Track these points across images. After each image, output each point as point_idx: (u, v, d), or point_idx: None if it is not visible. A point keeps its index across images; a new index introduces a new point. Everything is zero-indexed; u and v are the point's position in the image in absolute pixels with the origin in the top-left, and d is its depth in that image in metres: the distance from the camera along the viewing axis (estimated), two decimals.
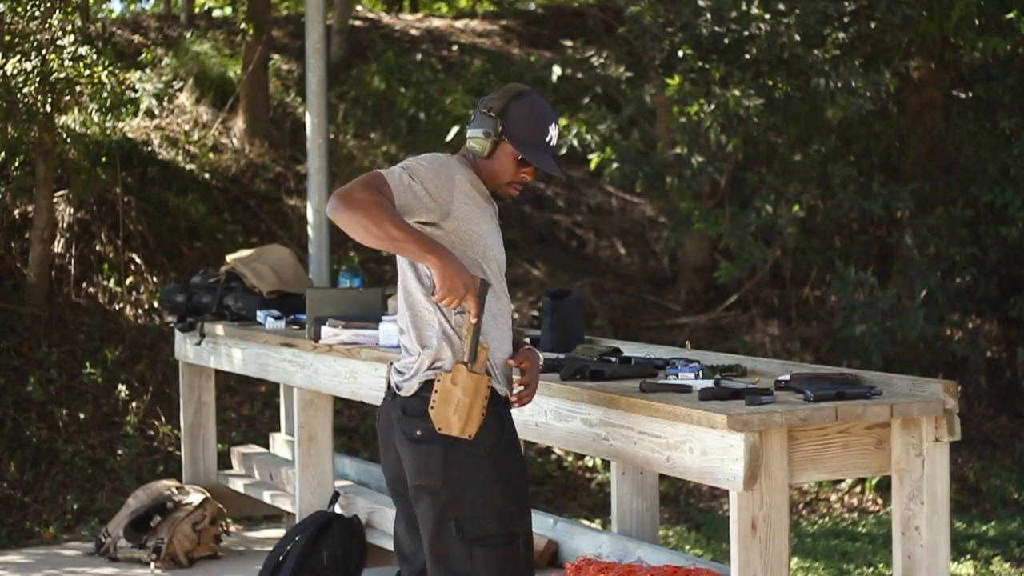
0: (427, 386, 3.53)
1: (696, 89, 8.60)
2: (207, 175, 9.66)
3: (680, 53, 8.74)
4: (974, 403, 9.29)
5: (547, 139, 3.65)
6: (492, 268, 3.59)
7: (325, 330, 5.26)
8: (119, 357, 8.19)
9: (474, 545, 3.49)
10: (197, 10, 13.08)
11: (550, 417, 4.13)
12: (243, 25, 10.26)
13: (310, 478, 5.75)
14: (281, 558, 5.50)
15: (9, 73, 7.46)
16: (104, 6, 12.90)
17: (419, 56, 12.50)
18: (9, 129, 7.76)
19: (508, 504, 3.53)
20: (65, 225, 8.68)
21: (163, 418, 7.98)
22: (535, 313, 9.42)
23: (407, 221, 3.42)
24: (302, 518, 5.70)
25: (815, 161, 9.39)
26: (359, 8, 14.69)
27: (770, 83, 8.71)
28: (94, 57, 7.83)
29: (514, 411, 3.70)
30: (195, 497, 6.39)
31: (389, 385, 3.70)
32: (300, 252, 8.81)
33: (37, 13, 7.71)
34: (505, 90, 3.68)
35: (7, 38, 7.69)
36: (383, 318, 5.09)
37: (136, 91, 9.58)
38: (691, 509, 8.20)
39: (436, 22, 14.21)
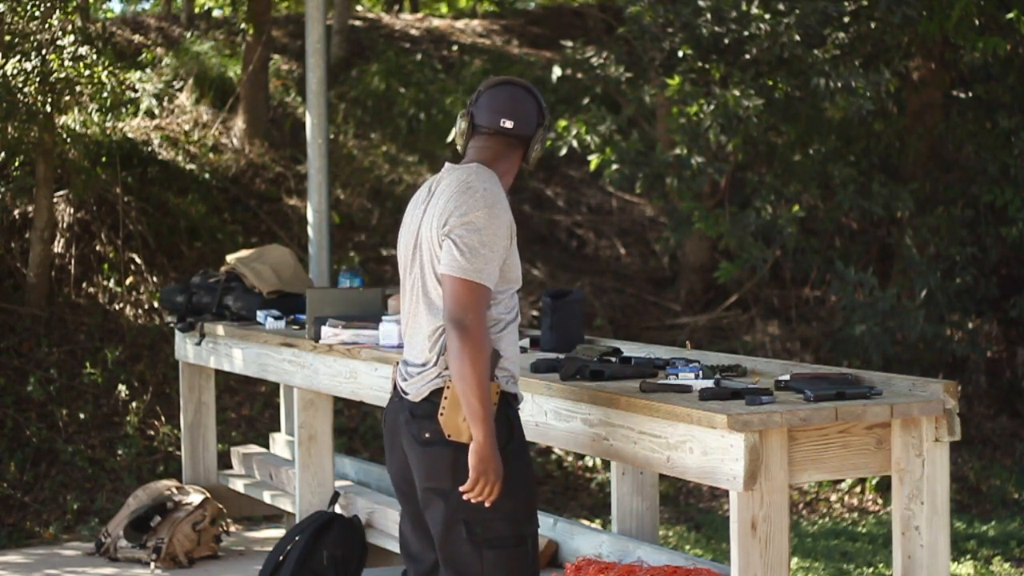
0: (437, 392, 3.53)
1: (696, 89, 8.60)
2: (207, 175, 9.65)
3: (680, 53, 8.74)
4: (974, 403, 9.29)
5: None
6: (518, 273, 3.62)
7: (325, 330, 5.26)
8: (119, 357, 8.18)
9: (484, 547, 3.49)
10: (197, 10, 13.07)
11: (550, 417, 4.13)
12: (243, 25, 10.26)
13: (310, 478, 5.75)
14: (281, 558, 5.50)
15: (9, 73, 7.46)
16: (104, 6, 12.89)
17: (419, 56, 12.50)
18: (9, 129, 7.76)
19: (517, 506, 3.54)
20: (65, 225, 8.67)
21: (163, 418, 7.98)
22: (535, 313, 9.42)
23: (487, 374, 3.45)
24: (302, 518, 5.69)
25: (815, 161, 9.39)
26: (359, 8, 14.68)
27: (770, 83, 8.71)
28: (94, 57, 7.83)
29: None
30: (195, 497, 6.39)
31: (395, 386, 3.69)
32: (300, 252, 8.80)
33: (37, 13, 7.71)
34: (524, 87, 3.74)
35: (7, 38, 7.69)
36: (383, 318, 5.08)
37: (136, 91, 9.58)
38: (691, 509, 8.20)
39: (436, 22, 14.21)
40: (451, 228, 3.47)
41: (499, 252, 3.48)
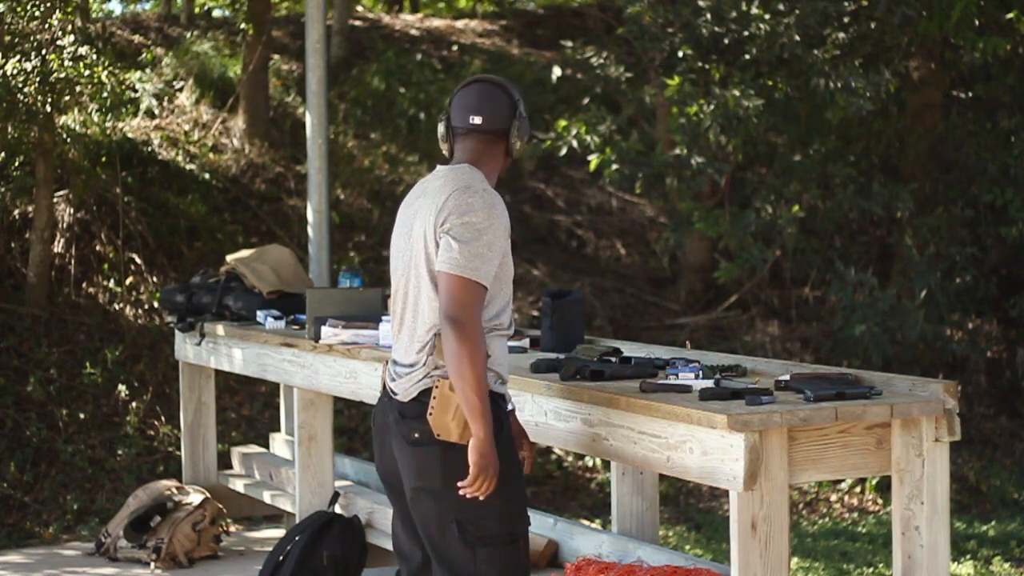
0: (425, 392, 3.54)
1: (696, 89, 8.61)
2: (207, 175, 9.65)
3: (680, 53, 8.74)
4: (974, 403, 9.29)
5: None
6: (511, 277, 3.62)
7: (325, 330, 5.26)
8: (119, 357, 8.18)
9: (477, 545, 3.50)
10: (197, 10, 13.07)
11: (550, 417, 4.13)
12: (243, 25, 10.26)
13: (310, 478, 5.75)
14: (281, 558, 5.50)
15: (9, 73, 7.46)
16: (104, 6, 12.88)
17: (419, 56, 12.50)
18: (9, 129, 7.76)
19: (507, 504, 3.54)
20: (65, 225, 8.67)
21: (163, 418, 7.98)
22: (535, 313, 9.42)
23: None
24: (302, 518, 5.70)
25: (815, 161, 9.39)
26: (359, 8, 14.68)
27: (770, 83, 8.71)
28: (94, 57, 7.82)
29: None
30: (195, 497, 6.39)
31: (384, 386, 3.71)
32: (300, 252, 8.80)
33: (37, 13, 7.71)
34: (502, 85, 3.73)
35: (7, 38, 7.69)
36: (383, 318, 5.09)
37: (136, 91, 9.57)
38: (691, 509, 8.20)
39: (436, 22, 14.21)
40: (450, 227, 3.48)
41: (497, 253, 3.49)
